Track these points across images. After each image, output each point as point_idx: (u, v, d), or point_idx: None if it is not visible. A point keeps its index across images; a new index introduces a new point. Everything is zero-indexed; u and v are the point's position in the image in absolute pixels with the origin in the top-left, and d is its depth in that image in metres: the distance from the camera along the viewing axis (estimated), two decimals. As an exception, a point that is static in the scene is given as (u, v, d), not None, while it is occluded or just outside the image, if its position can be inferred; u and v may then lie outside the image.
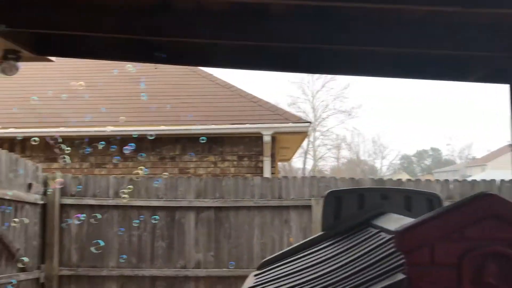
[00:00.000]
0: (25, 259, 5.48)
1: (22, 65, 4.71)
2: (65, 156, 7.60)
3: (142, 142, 8.81)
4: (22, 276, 5.75)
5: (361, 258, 2.44)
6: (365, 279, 2.07)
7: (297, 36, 3.60)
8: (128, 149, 4.44)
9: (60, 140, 5.18)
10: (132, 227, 6.45)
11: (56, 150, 8.99)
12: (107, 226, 6.46)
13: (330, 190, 3.13)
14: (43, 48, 4.22)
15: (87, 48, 4.04)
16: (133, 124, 8.85)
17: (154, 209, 6.48)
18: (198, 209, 6.50)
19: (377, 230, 2.71)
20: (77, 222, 5.14)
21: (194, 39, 3.48)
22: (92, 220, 6.30)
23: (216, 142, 9.08)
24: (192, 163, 9.13)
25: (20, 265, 5.56)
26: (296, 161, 34.96)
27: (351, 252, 2.68)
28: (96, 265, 6.38)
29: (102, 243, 5.94)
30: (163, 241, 6.46)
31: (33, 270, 6.02)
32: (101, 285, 6.38)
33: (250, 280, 2.79)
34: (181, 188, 6.56)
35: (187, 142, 9.07)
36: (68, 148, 8.76)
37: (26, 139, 9.03)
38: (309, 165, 37.41)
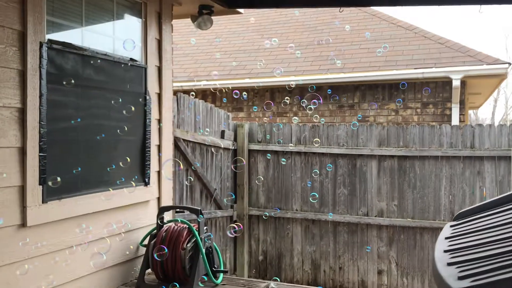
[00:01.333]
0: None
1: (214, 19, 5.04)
2: (253, 104, 8.06)
3: (321, 91, 8.88)
4: (219, 213, 6.42)
5: None
6: None
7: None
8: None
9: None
10: (314, 173, 6.63)
11: (243, 100, 9.63)
12: (291, 171, 6.76)
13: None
14: (234, 1, 4.43)
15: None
16: (312, 73, 8.94)
17: (335, 156, 6.53)
18: (381, 158, 6.35)
19: None
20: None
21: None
22: (283, 161, 6.68)
23: (397, 88, 8.67)
24: (372, 111, 8.90)
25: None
26: (483, 110, 31.58)
27: None
28: (281, 207, 6.77)
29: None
30: (345, 188, 6.51)
31: (228, 209, 6.65)
32: (286, 226, 6.78)
33: (447, 231, 2.62)
34: (362, 136, 6.47)
35: (367, 89, 8.84)
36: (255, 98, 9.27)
37: (215, 91, 9.84)
38: (499, 114, 33.50)
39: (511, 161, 5.71)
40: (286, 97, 9.10)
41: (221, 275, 4.19)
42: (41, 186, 3.23)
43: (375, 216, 6.34)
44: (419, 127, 6.26)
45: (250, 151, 6.92)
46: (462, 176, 5.97)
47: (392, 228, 6.25)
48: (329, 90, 8.82)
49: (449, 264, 2.00)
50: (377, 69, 8.61)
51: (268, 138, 6.88)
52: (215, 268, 4.15)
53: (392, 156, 6.29)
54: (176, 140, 5.39)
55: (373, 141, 6.41)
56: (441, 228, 2.75)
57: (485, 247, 2.07)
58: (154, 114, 4.54)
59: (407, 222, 6.15)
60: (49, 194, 3.28)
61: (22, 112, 3.11)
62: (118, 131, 4.03)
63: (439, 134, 6.12)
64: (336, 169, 6.55)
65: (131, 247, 4.21)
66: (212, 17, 5.00)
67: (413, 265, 6.16)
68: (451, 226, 2.75)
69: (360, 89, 8.88)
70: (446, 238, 2.47)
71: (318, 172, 6.60)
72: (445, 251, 2.20)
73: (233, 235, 6.06)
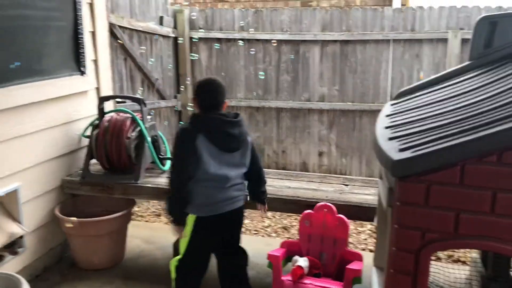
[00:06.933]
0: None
1: None
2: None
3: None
4: (163, 103, 6.31)
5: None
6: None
7: None
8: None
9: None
10: (258, 61, 6.55)
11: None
12: (234, 59, 6.63)
13: (484, 15, 2.75)
14: None
15: None
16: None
17: (278, 43, 6.43)
18: (323, 43, 6.32)
19: (539, 60, 2.38)
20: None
21: None
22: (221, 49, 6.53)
23: (341, -29, 8.43)
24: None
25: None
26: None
27: (500, 83, 2.42)
28: (225, 96, 6.73)
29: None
30: (288, 75, 6.52)
31: (171, 99, 6.54)
32: (230, 114, 6.81)
33: (387, 109, 2.71)
34: (305, 21, 6.35)
35: (310, -29, 8.53)
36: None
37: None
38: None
39: (447, 44, 5.86)
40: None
41: (168, 162, 4.22)
42: (-35, 77, 2.98)
43: (317, 101, 6.48)
44: (362, 10, 6.20)
45: (191, 38, 6.66)
46: (402, 59, 6.11)
47: (333, 112, 6.44)
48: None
49: (390, 138, 2.09)
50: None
51: (210, 25, 6.62)
52: (161, 155, 4.17)
53: (335, 41, 6.27)
54: (111, 27, 5.06)
55: (317, 26, 6.32)
56: (379, 111, 2.85)
57: (423, 122, 2.17)
58: (84, -3, 4.18)
59: (347, 106, 6.34)
60: (-24, 86, 3.05)
61: None
62: (45, 16, 3.70)
63: (381, 18, 6.11)
64: (280, 56, 6.50)
65: (74, 137, 4.11)
66: None
67: (352, 146, 6.48)
68: (392, 104, 2.85)
69: (304, -29, 8.56)
70: (387, 115, 2.56)
71: (262, 59, 6.53)
72: (386, 127, 2.29)
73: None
